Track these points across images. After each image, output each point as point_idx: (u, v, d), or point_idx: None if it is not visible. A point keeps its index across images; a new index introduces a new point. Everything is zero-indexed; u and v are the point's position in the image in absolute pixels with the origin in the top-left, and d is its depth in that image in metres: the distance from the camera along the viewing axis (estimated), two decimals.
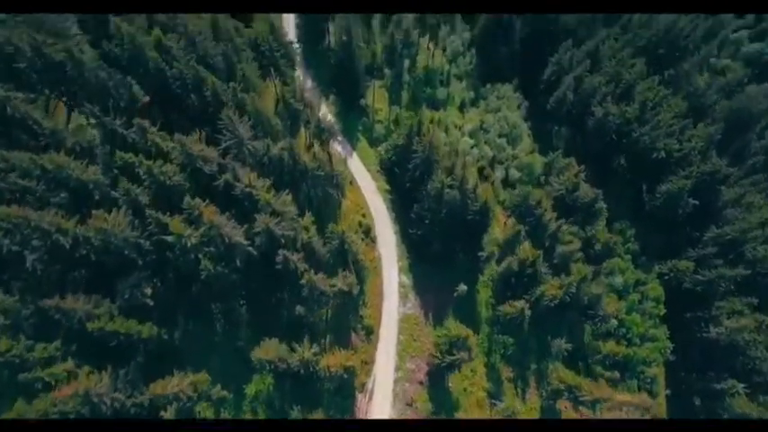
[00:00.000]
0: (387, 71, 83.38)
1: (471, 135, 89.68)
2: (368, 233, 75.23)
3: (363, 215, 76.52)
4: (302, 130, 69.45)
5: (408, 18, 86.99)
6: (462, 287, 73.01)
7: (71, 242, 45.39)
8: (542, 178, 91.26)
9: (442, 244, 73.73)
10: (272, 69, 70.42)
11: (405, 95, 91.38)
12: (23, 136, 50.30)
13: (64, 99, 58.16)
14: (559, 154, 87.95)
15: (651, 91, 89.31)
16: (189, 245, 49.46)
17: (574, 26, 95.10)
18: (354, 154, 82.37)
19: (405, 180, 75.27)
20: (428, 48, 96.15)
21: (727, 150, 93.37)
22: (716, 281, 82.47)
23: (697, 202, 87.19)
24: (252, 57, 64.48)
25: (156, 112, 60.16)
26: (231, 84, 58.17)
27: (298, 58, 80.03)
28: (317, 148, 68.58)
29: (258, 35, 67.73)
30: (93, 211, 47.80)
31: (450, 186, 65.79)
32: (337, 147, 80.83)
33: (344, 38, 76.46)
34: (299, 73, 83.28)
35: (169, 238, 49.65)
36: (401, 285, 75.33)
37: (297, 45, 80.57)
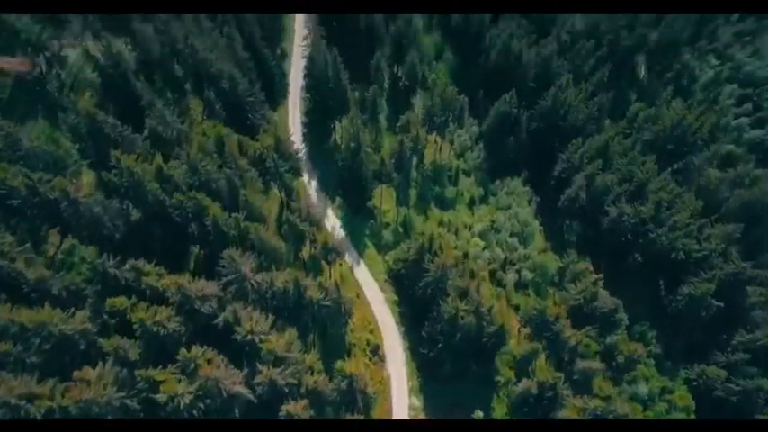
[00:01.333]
0: (395, 175, 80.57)
1: (482, 236, 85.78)
2: (375, 351, 69.81)
3: (371, 331, 71.30)
4: (307, 247, 65.56)
5: (416, 115, 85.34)
6: (478, 413, 66.86)
7: (43, 413, 40.10)
8: (556, 278, 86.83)
9: (455, 364, 68.24)
10: (275, 182, 67.34)
11: (413, 194, 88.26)
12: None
13: (58, 228, 54.62)
14: (574, 258, 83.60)
15: (664, 190, 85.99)
16: (182, 404, 44.11)
17: (582, 121, 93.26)
18: (362, 262, 78.07)
19: (415, 293, 70.64)
20: (435, 141, 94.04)
21: (747, 247, 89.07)
22: (754, 392, 76.08)
23: (722, 304, 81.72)
24: (256, 176, 61.38)
25: (153, 240, 56.36)
26: (233, 215, 54.66)
27: (303, 167, 77.37)
28: (325, 271, 64.40)
29: (264, 149, 65.06)
30: (75, 372, 42.79)
31: (466, 311, 61.02)
32: (343, 243, 76.75)
33: (352, 144, 74.03)
34: (304, 177, 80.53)
35: (160, 397, 44.38)
36: (411, 408, 69.22)
37: (302, 150, 78.27)
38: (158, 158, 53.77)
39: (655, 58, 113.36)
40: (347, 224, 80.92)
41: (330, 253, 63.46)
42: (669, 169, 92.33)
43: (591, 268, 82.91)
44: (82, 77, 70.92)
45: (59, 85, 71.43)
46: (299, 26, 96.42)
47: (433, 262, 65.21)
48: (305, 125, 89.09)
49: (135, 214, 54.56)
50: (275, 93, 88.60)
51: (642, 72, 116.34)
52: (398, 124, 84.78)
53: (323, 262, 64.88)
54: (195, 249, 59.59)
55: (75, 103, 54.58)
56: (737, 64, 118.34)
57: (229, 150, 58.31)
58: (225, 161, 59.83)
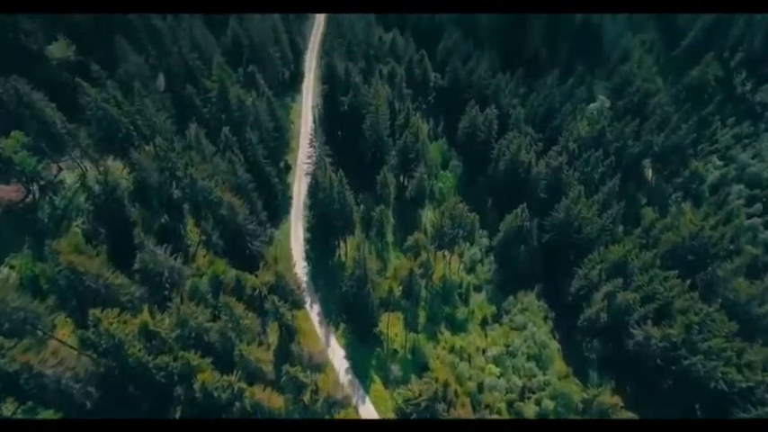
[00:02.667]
0: (403, 302, 74.24)
1: (496, 362, 77.82)
2: None
3: None
4: (308, 396, 57.53)
5: (424, 236, 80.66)
6: None
7: None
8: (580, 408, 77.76)
9: None
10: (275, 320, 60.69)
11: (422, 316, 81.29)
12: None
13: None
14: (600, 389, 75.11)
15: (692, 311, 79.05)
16: None
17: (597, 233, 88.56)
18: (367, 399, 69.48)
19: None
20: (444, 255, 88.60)
21: None
22: None
23: None
24: (254, 322, 54.95)
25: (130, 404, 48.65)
26: (225, 377, 47.52)
27: (306, 291, 71.27)
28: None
29: (263, 285, 59.14)
30: None
31: None
32: (348, 389, 68.41)
33: (358, 271, 68.30)
34: (307, 303, 74.05)
35: None
36: None
37: (304, 279, 72.57)
38: (144, 314, 47.59)
39: (661, 162, 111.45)
40: (352, 353, 73.25)
41: (335, 405, 55.46)
42: (689, 281, 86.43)
43: (620, 402, 74.13)
44: (74, 205, 66.71)
45: (51, 211, 67.03)
46: (304, 140, 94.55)
47: (447, 412, 57.25)
48: (308, 241, 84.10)
49: (112, 375, 47.53)
50: (277, 208, 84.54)
51: (650, 175, 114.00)
52: (406, 244, 79.79)
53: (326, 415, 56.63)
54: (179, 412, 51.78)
55: (56, 253, 49.25)
56: (742, 165, 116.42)
57: (225, 300, 52.29)
58: (219, 307, 53.78)
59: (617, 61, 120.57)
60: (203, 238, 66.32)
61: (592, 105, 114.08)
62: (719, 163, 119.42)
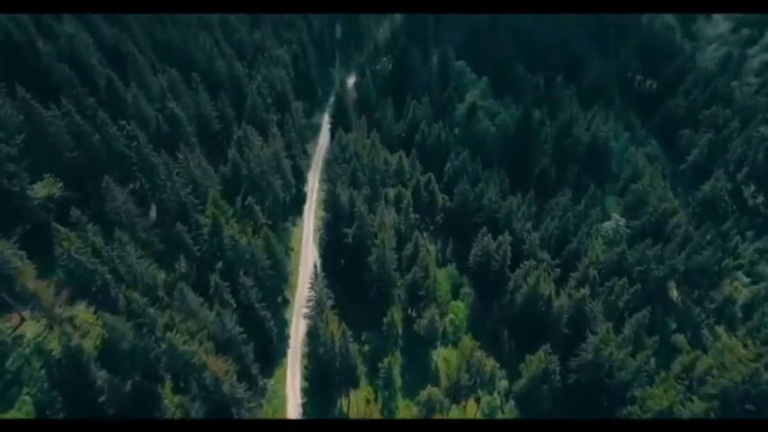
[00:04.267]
0: None
1: None
2: None
3: None
4: None
5: (437, 390, 69.50)
6: None
7: None
8: None
9: None
10: None
11: None
12: None
13: None
14: None
15: None
16: None
17: (631, 376, 77.26)
18: None
19: None
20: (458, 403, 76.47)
21: None
22: None
23: None
24: None
25: None
26: None
27: None
28: None
29: None
30: None
31: None
32: None
33: None
34: None
35: None
36: None
37: None
38: None
39: (687, 284, 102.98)
40: None
41: None
42: None
43: None
44: (30, 370, 56.53)
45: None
46: (304, 270, 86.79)
47: None
48: (305, 392, 72.60)
49: None
50: (272, 352, 74.31)
51: (676, 296, 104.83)
52: (417, 398, 68.43)
53: None
54: None
55: None
56: None
57: None
58: None
59: (627, 179, 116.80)
60: (182, 409, 55.39)
61: (607, 224, 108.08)
62: (747, 280, 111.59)
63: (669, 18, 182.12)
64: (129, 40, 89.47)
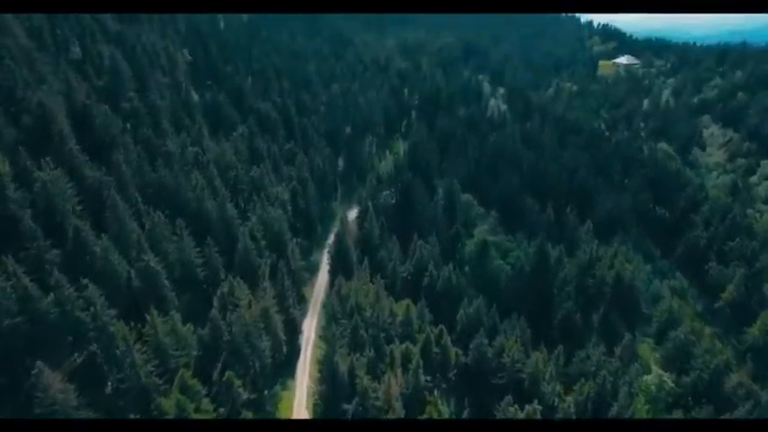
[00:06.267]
0: None
1: None
2: None
3: None
4: None
5: None
6: None
7: None
8: None
9: None
10: None
11: None
12: None
13: None
14: None
15: None
16: None
17: None
18: None
19: None
20: None
21: None
22: None
23: None
24: None
25: None
26: None
27: None
28: None
29: None
30: None
31: None
32: None
33: None
34: None
35: None
36: None
37: None
38: None
39: None
40: None
41: None
42: None
43: None
44: None
45: None
46: None
47: None
48: None
49: None
50: None
51: None
52: None
53: None
54: None
55: None
56: None
57: None
58: None
59: (662, 322, 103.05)
60: None
61: (648, 378, 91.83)
62: None
63: (667, 147, 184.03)
64: (113, 183, 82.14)
